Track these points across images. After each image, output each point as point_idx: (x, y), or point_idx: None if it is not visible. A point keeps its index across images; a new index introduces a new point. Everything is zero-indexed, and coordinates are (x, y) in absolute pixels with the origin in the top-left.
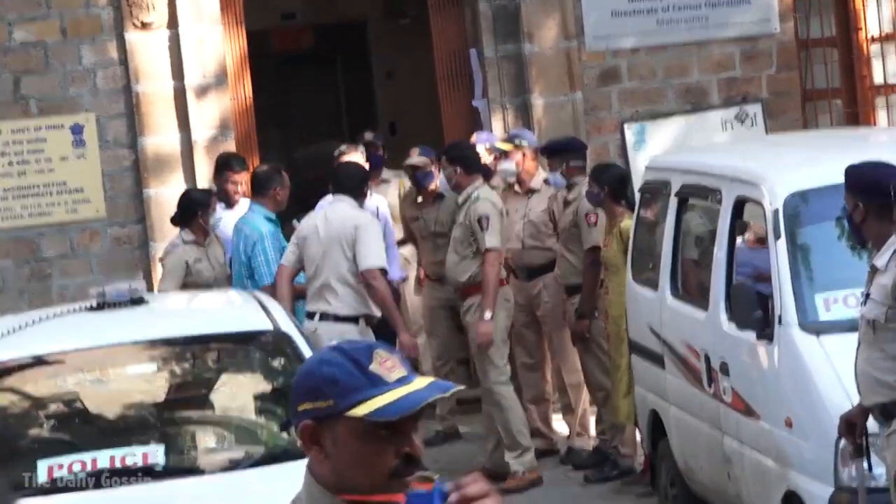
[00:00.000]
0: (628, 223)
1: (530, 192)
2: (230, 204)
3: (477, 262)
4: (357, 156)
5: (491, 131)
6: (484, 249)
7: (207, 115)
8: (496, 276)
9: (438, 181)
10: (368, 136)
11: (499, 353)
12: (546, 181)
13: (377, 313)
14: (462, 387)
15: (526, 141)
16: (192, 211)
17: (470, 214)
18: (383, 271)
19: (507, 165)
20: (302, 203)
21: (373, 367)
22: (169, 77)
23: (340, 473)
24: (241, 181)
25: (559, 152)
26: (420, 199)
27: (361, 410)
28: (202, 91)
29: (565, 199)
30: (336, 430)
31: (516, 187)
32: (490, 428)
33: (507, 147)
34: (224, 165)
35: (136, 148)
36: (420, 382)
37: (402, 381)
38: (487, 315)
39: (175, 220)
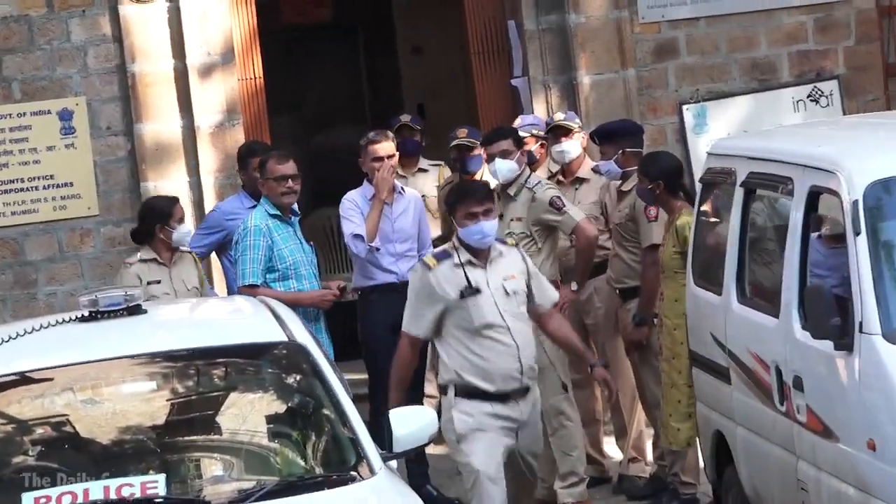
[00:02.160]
0: (686, 220)
1: (578, 181)
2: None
3: (539, 260)
4: (387, 144)
5: (532, 114)
6: (573, 226)
7: (212, 98)
8: (593, 250)
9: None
10: (405, 117)
11: (563, 366)
12: (595, 170)
13: None
14: None
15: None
16: (149, 224)
17: (534, 205)
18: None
19: (568, 147)
20: (320, 197)
21: None
22: (169, 55)
23: None
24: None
25: (613, 137)
26: None
27: None
28: (206, 71)
29: (619, 190)
30: None
31: (560, 177)
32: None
33: (573, 125)
34: (249, 154)
35: (132, 136)
36: None
37: None
38: (574, 286)
39: (134, 236)
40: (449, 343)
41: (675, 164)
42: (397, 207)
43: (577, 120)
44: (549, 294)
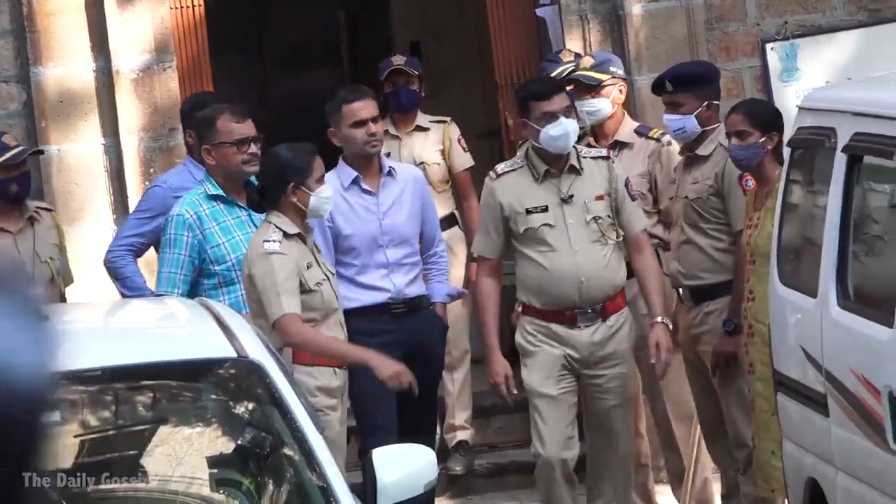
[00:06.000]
0: None
1: (618, 146)
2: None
3: (620, 257)
4: (369, 103)
5: (561, 54)
6: (640, 230)
7: (136, 32)
8: None
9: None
10: (398, 59)
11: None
12: (638, 132)
13: None
14: None
15: (620, 69)
16: (283, 183)
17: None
18: None
19: (600, 105)
20: None
21: None
22: None
23: None
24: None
25: (696, 84)
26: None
27: None
28: None
29: (694, 155)
30: None
31: (591, 141)
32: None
33: (602, 77)
34: (199, 108)
35: (27, 83)
36: None
37: None
38: (667, 319)
39: (257, 197)
40: None
41: (777, 113)
42: (385, 197)
43: (611, 67)
44: None
